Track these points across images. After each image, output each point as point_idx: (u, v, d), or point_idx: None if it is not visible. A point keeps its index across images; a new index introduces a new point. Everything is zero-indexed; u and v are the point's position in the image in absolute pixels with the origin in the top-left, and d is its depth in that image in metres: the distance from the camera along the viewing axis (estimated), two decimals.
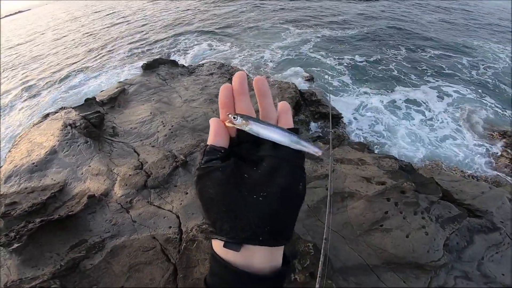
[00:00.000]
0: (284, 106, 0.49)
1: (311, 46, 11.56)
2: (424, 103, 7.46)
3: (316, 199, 3.00)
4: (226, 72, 7.28)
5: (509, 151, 5.43)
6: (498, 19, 15.53)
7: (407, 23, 14.25)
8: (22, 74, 13.06)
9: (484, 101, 7.45)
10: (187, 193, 3.14)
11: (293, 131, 0.45)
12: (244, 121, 0.42)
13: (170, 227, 2.94)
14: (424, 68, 9.38)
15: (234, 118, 0.42)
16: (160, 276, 2.56)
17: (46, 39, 19.53)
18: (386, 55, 10.45)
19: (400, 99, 7.64)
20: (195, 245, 2.66)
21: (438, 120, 6.74)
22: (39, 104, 9.51)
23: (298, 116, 5.67)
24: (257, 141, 0.43)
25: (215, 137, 0.43)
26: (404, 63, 9.80)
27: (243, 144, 0.45)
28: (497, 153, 5.56)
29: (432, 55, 10.35)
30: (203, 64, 8.05)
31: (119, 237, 2.89)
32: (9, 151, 4.83)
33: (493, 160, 5.45)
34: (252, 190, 0.40)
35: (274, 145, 0.42)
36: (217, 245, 0.41)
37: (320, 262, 1.11)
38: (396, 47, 11.28)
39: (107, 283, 2.52)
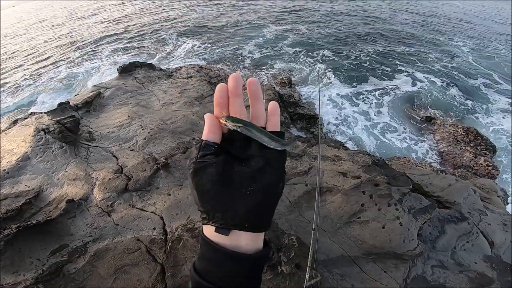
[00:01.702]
0: (273, 108, 0.53)
1: (289, 43, 11.92)
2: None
3: (297, 195, 3.14)
4: (205, 75, 7.32)
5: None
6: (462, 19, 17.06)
7: (382, 22, 15.17)
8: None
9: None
10: (169, 195, 3.16)
11: (279, 134, 0.51)
12: (235, 124, 0.47)
13: (154, 228, 2.95)
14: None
15: (226, 120, 0.47)
16: (148, 276, 2.57)
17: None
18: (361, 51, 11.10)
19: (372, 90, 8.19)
20: (181, 243, 2.70)
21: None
22: None
23: None
24: (247, 139, 0.49)
25: (209, 133, 0.49)
26: (378, 57, 10.49)
27: (235, 142, 0.50)
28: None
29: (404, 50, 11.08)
30: (181, 67, 8.04)
31: (102, 240, 2.86)
32: None
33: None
34: (240, 184, 0.46)
35: (261, 146, 0.48)
36: (208, 231, 0.48)
37: (309, 252, 1.21)
38: (371, 42, 12.01)
39: (94, 285, 2.50)
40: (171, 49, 12.16)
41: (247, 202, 0.45)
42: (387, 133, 6.76)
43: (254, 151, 0.48)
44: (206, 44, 12.32)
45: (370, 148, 6.24)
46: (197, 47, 12.10)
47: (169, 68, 7.93)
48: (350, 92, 8.21)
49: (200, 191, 0.47)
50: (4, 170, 3.84)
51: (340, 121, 6.98)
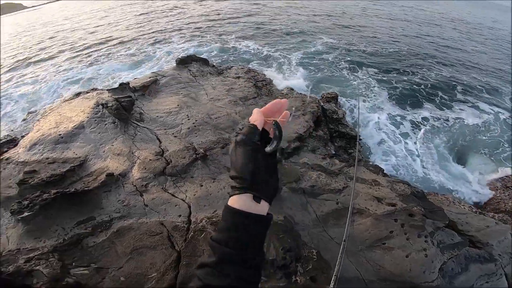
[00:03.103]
0: (285, 117, 0.68)
1: (340, 57, 11.71)
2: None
3: (326, 211, 3.02)
4: (252, 77, 7.44)
5: None
6: None
7: (447, 47, 14.20)
8: None
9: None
10: (202, 186, 3.21)
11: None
12: (273, 119, 0.64)
13: (180, 215, 2.98)
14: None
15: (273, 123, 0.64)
16: (162, 262, 2.56)
17: None
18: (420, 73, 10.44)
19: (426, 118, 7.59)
20: (202, 235, 2.70)
21: None
22: None
23: (317, 131, 5.69)
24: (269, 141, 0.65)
25: (257, 121, 0.64)
26: (437, 83, 9.77)
27: (264, 137, 0.66)
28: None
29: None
30: (231, 66, 8.28)
31: (128, 218, 2.91)
32: (38, 120, 5.00)
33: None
34: (270, 171, 0.62)
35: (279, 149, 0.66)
36: (235, 202, 0.59)
37: (337, 263, 1.19)
38: (432, 66, 11.26)
39: (107, 262, 2.51)
40: (228, 47, 12.80)
41: (272, 183, 0.62)
42: (432, 165, 6.22)
43: (275, 151, 0.64)
44: (258, 46, 12.65)
45: (410, 178, 5.79)
46: (250, 48, 12.50)
47: (220, 66, 8.23)
48: (401, 116, 7.72)
49: (245, 162, 0.60)
50: (60, 134, 4.16)
51: (384, 146, 6.57)
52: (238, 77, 6.87)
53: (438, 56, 12.91)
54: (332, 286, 1.28)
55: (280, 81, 8.88)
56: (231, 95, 5.57)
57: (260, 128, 0.63)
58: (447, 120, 7.81)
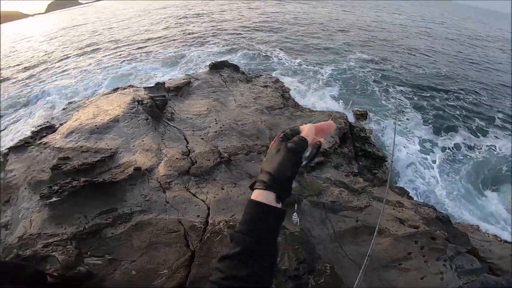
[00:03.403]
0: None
1: (373, 74, 11.44)
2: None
3: (344, 227, 2.96)
4: (279, 87, 7.51)
5: None
6: None
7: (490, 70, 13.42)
8: None
9: None
10: (223, 189, 3.26)
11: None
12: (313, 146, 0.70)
13: (199, 216, 3.02)
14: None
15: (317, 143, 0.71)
16: (175, 259, 2.56)
17: None
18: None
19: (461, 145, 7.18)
20: (218, 237, 2.71)
21: None
22: None
23: (342, 148, 5.59)
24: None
25: (309, 139, 0.69)
26: (475, 108, 9.22)
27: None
28: None
29: None
30: (260, 75, 8.42)
31: (148, 213, 2.95)
32: (77, 110, 5.38)
33: None
34: (294, 179, 0.65)
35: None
36: (258, 195, 0.63)
37: (358, 277, 1.22)
38: (473, 91, 10.65)
39: (122, 254, 2.53)
40: (260, 55, 13.09)
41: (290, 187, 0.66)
42: (459, 194, 5.86)
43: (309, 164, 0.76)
44: (290, 57, 12.75)
45: (436, 205, 5.48)
46: (281, 58, 12.65)
47: (249, 73, 8.40)
48: (432, 140, 7.36)
49: (285, 169, 0.63)
50: (96, 125, 4.41)
51: (412, 171, 6.29)
52: (266, 86, 6.96)
53: (479, 78, 12.21)
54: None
55: (309, 94, 8.85)
56: (258, 104, 5.65)
57: (309, 144, 0.67)
58: (480, 148, 7.34)
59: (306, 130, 0.68)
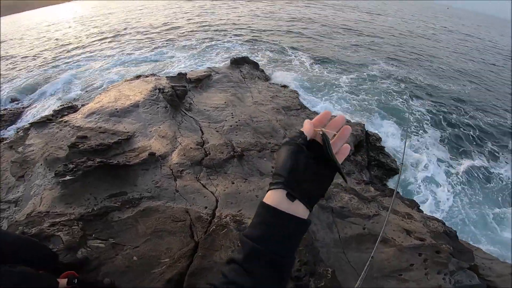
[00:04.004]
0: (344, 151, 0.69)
1: (394, 85, 11.17)
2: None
3: (350, 234, 2.93)
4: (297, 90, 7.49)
5: None
6: None
7: None
8: None
9: None
10: (233, 183, 3.29)
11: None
12: (322, 130, 0.64)
13: (206, 207, 3.04)
14: None
15: (320, 134, 0.65)
16: (178, 249, 2.55)
17: None
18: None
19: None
20: (224, 231, 2.72)
21: None
22: None
23: (355, 156, 5.52)
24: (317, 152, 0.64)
25: (305, 130, 0.64)
26: (500, 132, 8.86)
27: (313, 148, 0.65)
28: None
29: None
30: (279, 75, 8.42)
31: (157, 200, 2.95)
32: (100, 94, 5.56)
33: None
34: (312, 175, 0.60)
35: (326, 158, 0.62)
36: (270, 199, 0.59)
37: (360, 277, 1.22)
38: (495, 110, 10.22)
39: (125, 239, 2.51)
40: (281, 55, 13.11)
41: (312, 187, 0.60)
42: (469, 215, 5.69)
43: (323, 160, 0.63)
44: (311, 60, 12.65)
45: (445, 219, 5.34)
46: (303, 60, 12.58)
47: (269, 72, 8.41)
48: (448, 161, 7.12)
49: (285, 160, 0.60)
50: (116, 108, 4.52)
51: (424, 188, 6.13)
52: (284, 86, 6.95)
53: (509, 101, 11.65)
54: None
55: (326, 101, 8.75)
56: (275, 103, 5.66)
57: (307, 136, 0.64)
58: (501, 174, 7.04)
59: (304, 126, 0.66)
